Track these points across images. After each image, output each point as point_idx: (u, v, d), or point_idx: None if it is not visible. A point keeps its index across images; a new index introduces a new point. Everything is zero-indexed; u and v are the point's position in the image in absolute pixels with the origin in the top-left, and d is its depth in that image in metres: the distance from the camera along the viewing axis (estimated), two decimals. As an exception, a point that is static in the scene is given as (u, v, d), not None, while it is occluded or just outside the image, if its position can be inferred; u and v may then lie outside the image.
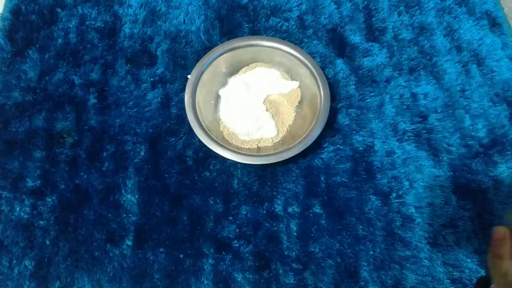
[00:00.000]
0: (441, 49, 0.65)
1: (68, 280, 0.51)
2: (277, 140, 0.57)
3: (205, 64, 0.57)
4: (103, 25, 0.64)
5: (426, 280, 0.51)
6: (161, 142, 0.58)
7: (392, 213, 0.54)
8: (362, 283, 0.51)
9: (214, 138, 0.53)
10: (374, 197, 0.55)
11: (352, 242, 0.53)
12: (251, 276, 0.51)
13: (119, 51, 0.63)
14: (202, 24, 0.65)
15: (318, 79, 0.56)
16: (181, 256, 0.52)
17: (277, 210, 0.54)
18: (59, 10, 0.65)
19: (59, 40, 0.63)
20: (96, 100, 0.60)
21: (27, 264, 0.51)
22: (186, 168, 0.56)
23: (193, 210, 0.54)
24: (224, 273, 0.51)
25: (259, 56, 0.60)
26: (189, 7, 0.66)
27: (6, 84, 0.60)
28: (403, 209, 0.55)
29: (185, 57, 0.63)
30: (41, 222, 0.53)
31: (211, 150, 0.52)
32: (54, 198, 0.54)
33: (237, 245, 0.53)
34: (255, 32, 0.65)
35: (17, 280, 0.51)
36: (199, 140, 0.53)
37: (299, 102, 0.59)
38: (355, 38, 0.65)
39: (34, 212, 0.54)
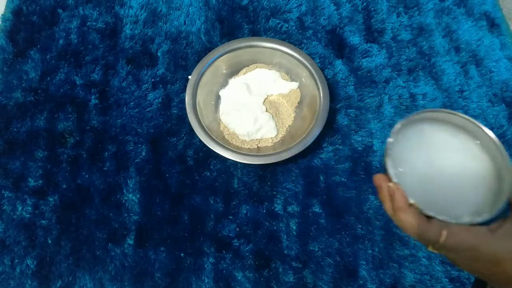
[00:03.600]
0: (439, 49, 0.65)
1: (70, 279, 0.51)
2: (277, 140, 0.58)
3: (205, 65, 0.58)
4: (104, 26, 0.65)
5: (425, 278, 0.52)
6: (162, 142, 0.58)
7: (391, 212, 0.55)
8: (361, 282, 0.52)
9: (215, 138, 0.54)
10: (373, 196, 0.56)
11: (351, 241, 0.54)
12: (251, 275, 0.52)
13: (120, 52, 0.63)
14: (203, 25, 0.65)
15: (318, 80, 0.56)
16: (182, 255, 0.53)
17: (277, 209, 0.55)
18: (60, 11, 0.65)
19: (61, 41, 0.63)
20: (97, 101, 0.60)
21: (29, 263, 0.52)
22: (186, 168, 0.57)
23: (193, 210, 0.55)
24: (224, 271, 0.52)
25: (259, 57, 0.61)
26: (190, 8, 0.67)
27: (8, 85, 0.60)
28: (402, 208, 0.55)
29: (186, 58, 0.63)
30: (43, 222, 0.54)
31: (212, 150, 0.53)
32: (56, 197, 0.55)
33: (237, 244, 0.53)
34: (255, 33, 0.65)
35: (19, 279, 0.51)
36: (200, 140, 0.54)
37: (298, 103, 0.59)
38: (354, 39, 0.65)
39: (36, 212, 0.54)
